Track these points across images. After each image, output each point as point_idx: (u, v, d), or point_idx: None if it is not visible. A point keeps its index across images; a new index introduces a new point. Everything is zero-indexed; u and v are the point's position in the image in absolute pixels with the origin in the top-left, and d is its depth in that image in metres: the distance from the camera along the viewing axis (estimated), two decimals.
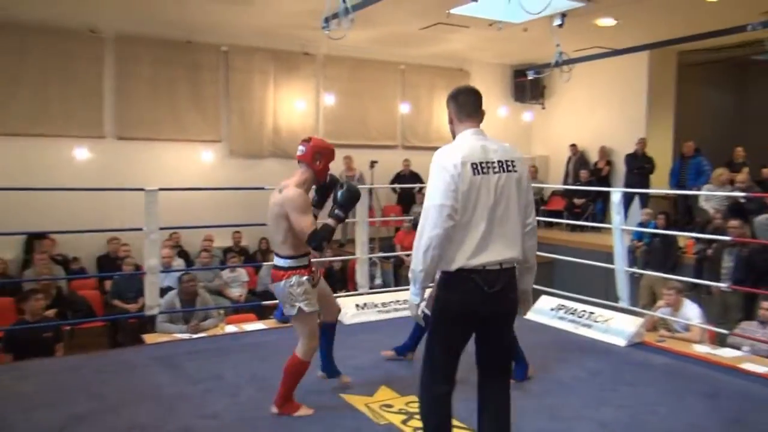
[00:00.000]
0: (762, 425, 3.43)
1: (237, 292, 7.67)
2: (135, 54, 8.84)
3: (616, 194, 5.23)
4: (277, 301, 5.79)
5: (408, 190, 10.34)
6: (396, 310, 5.60)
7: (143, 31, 8.81)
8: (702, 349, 4.83)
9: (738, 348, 4.96)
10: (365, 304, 5.60)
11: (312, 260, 3.51)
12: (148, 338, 5.10)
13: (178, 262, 7.56)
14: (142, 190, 4.77)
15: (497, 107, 11.70)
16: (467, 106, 2.58)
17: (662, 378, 4.18)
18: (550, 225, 11.02)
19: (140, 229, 4.78)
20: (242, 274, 7.89)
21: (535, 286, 5.82)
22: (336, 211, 3.35)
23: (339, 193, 3.40)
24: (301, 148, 3.41)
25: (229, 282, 7.71)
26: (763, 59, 11.56)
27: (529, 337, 4.90)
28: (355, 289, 6.02)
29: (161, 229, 4.90)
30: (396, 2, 7.17)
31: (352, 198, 3.42)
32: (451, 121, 2.65)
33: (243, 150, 9.71)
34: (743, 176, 8.31)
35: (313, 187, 3.51)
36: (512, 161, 2.51)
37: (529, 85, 11.40)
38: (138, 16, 8.51)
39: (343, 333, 5.06)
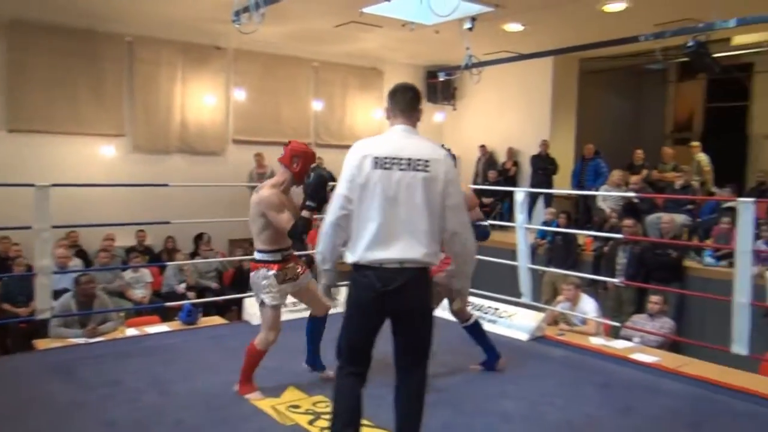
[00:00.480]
0: (649, 411, 3.65)
1: (140, 293, 7.37)
2: (30, 42, 8.26)
3: (520, 194, 5.42)
4: (182, 302, 5.69)
5: None
6: (306, 309, 5.54)
7: (40, 17, 8.24)
8: (597, 342, 5.09)
9: (630, 339, 5.27)
10: None
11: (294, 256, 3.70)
12: (40, 344, 4.78)
13: (76, 263, 7.15)
14: (32, 185, 4.47)
15: None
16: (400, 103, 2.63)
17: (561, 370, 4.38)
18: None
19: (29, 227, 4.48)
20: (146, 274, 7.58)
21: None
22: (307, 202, 3.41)
23: (306, 183, 3.48)
24: (283, 151, 3.58)
25: (132, 283, 7.40)
26: (655, 68, 12.40)
27: (437, 333, 5.03)
28: None
29: (55, 227, 4.61)
30: None
31: (318, 184, 3.46)
32: (388, 116, 2.71)
33: (148, 145, 9.31)
34: (636, 178, 8.84)
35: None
36: (426, 161, 2.48)
37: (440, 87, 11.61)
38: (35, 1, 7.98)
39: (251, 334, 4.96)
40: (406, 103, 2.61)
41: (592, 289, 7.16)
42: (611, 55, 10.92)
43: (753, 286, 4.45)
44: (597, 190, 9.12)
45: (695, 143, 10.04)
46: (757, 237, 7.04)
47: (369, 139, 2.61)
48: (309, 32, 9.26)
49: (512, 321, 5.24)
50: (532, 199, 10.15)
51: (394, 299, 2.49)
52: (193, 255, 8.62)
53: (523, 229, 5.40)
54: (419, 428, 2.62)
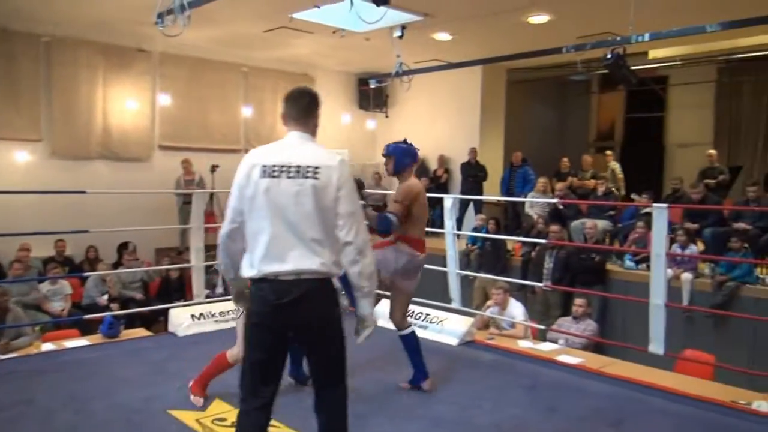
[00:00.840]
0: (574, 411, 3.76)
1: (58, 306, 7.01)
2: None
3: (448, 200, 5.49)
4: (103, 314, 5.44)
5: None
6: (235, 319, 5.40)
7: None
8: (525, 345, 5.20)
9: (556, 342, 5.42)
10: (201, 314, 5.37)
11: None
12: None
13: None
14: None
15: (341, 114, 11.85)
16: (293, 109, 2.51)
17: (490, 373, 4.44)
18: None
19: None
20: (65, 286, 7.23)
21: (378, 291, 5.97)
22: None
23: None
24: None
25: (49, 295, 7.03)
26: (579, 79, 12.88)
27: (368, 341, 5.01)
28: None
29: None
30: (237, 3, 7.00)
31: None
32: (284, 123, 2.58)
33: (67, 151, 8.86)
34: (561, 185, 9.14)
35: None
36: (315, 168, 2.36)
37: (372, 94, 11.66)
38: None
39: (176, 346, 4.84)
40: (299, 110, 2.49)
41: (521, 293, 7.34)
42: (537, 65, 11.27)
43: (669, 288, 4.69)
44: (525, 196, 9.37)
45: (609, 152, 10.53)
46: (673, 241, 7.41)
47: (261, 147, 2.52)
48: (238, 37, 9.11)
49: (443, 326, 5.29)
50: (463, 205, 10.34)
51: (290, 312, 2.35)
52: (117, 265, 8.27)
53: (451, 235, 5.47)
54: None
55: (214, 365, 3.69)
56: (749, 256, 6.84)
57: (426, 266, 6.00)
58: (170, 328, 5.32)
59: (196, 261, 5.53)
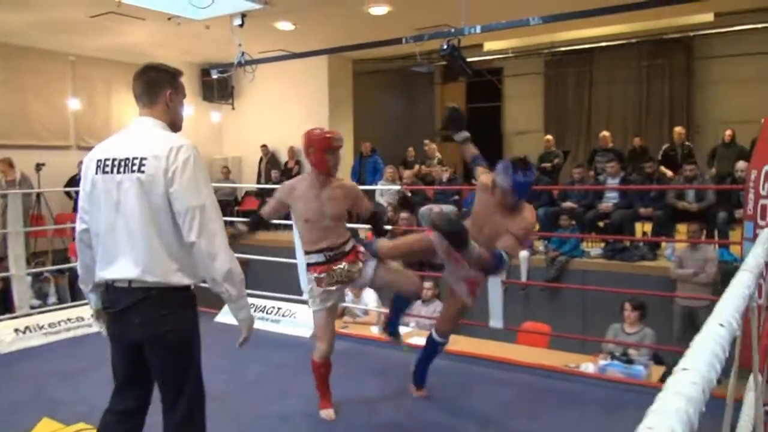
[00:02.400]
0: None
1: None
2: None
3: None
4: None
5: None
6: (68, 329, 4.98)
7: None
8: (377, 330, 5.28)
9: (407, 325, 5.56)
10: (27, 328, 4.85)
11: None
12: None
13: None
14: None
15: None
16: (136, 89, 2.19)
17: (342, 360, 4.38)
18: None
19: None
20: None
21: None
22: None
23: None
24: None
25: None
26: (422, 71, 13.34)
27: (219, 339, 4.82)
28: None
29: None
30: None
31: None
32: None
33: None
34: (409, 173, 9.42)
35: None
36: (142, 159, 2.06)
37: (216, 85, 11.25)
38: None
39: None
40: (142, 89, 2.17)
41: None
42: (382, 57, 11.51)
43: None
44: (375, 185, 9.53)
45: (427, 141, 11.03)
46: None
47: (107, 140, 2.24)
48: (60, 22, 8.31)
49: (295, 319, 5.23)
50: None
51: (123, 324, 2.14)
52: None
53: None
54: None
55: (316, 376, 3.50)
56: (576, 232, 7.48)
57: (278, 259, 5.96)
58: None
59: (17, 269, 4.98)
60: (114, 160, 2.10)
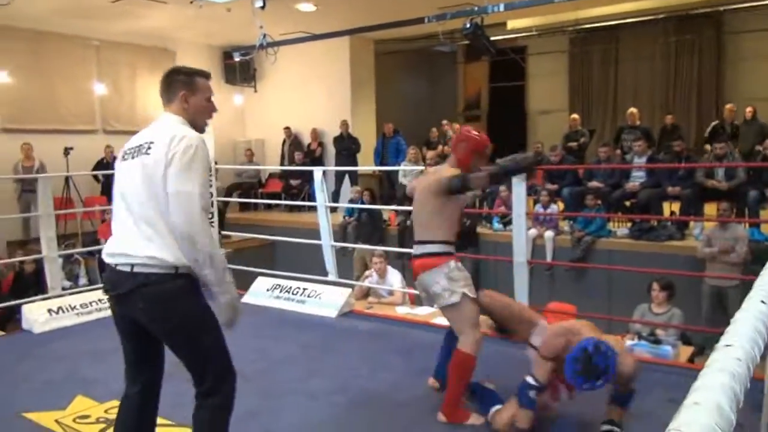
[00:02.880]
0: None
1: None
2: None
3: (318, 173, 5.42)
4: None
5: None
6: (99, 310, 5.07)
7: None
8: (402, 310, 5.31)
9: (432, 306, 5.56)
10: (60, 308, 4.94)
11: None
12: None
13: None
14: None
15: None
16: (160, 89, 2.35)
17: (367, 342, 4.47)
18: (269, 207, 11.19)
19: None
20: None
21: (255, 269, 5.80)
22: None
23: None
24: None
25: None
26: (445, 50, 13.21)
27: (246, 320, 4.87)
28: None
29: None
30: None
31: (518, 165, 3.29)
32: None
33: None
34: (432, 153, 9.37)
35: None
36: (150, 143, 2.16)
37: (239, 68, 11.27)
38: None
39: (31, 344, 4.44)
40: (162, 90, 2.34)
41: (399, 262, 7.47)
42: (405, 37, 11.41)
43: (534, 246, 4.95)
44: (399, 166, 9.51)
45: (445, 122, 11.00)
46: (536, 202, 7.84)
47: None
48: (83, 8, 8.38)
49: (321, 300, 5.25)
50: (339, 179, 10.34)
51: (125, 307, 2.20)
52: None
53: (323, 208, 5.42)
54: None
55: (456, 375, 3.04)
56: (603, 212, 7.39)
57: (302, 240, 6.00)
58: (25, 326, 4.87)
59: (48, 251, 5.08)
60: (132, 148, 2.23)
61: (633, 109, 9.15)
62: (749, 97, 10.47)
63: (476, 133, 3.28)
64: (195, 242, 2.08)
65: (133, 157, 2.18)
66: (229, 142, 11.68)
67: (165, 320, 2.17)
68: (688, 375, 3.58)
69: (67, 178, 7.99)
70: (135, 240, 2.13)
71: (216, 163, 5.81)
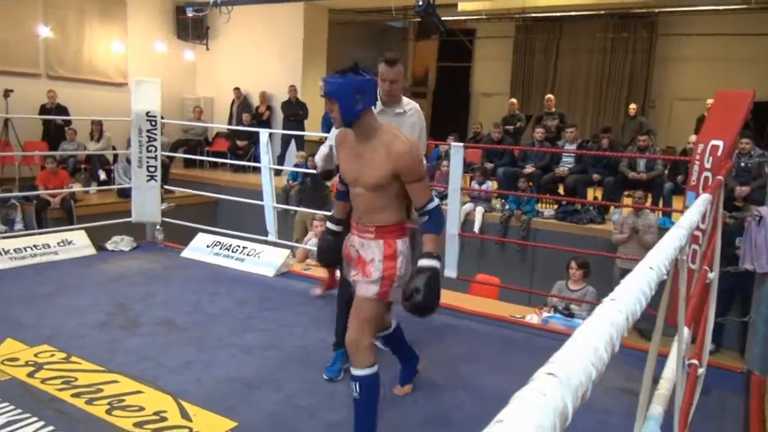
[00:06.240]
0: None
1: None
2: None
3: (264, 135, 5.56)
4: None
5: (56, 125, 9.29)
6: (34, 255, 5.10)
7: None
8: (339, 273, 5.54)
9: None
10: None
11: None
12: None
13: None
14: None
15: (155, 41, 11.19)
16: None
17: (302, 300, 4.59)
18: (214, 166, 11.18)
19: None
20: None
21: (197, 225, 5.89)
22: None
23: None
24: None
25: None
26: (397, 26, 13.36)
27: (183, 274, 5.03)
28: None
29: None
30: None
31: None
32: None
33: None
34: None
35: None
36: None
37: (191, 24, 11.12)
38: None
39: None
40: None
41: None
42: (359, 8, 11.51)
43: (465, 220, 5.18)
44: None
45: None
46: (472, 179, 8.21)
47: None
48: None
49: (259, 258, 5.42)
50: (285, 143, 10.44)
51: None
52: None
53: (267, 170, 5.57)
54: None
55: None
56: (534, 193, 7.83)
57: (244, 200, 6.11)
58: None
59: None
60: None
61: (550, 96, 9.79)
62: (674, 96, 11.20)
63: None
64: None
65: None
66: (178, 98, 11.55)
67: None
68: None
69: (6, 121, 7.79)
70: None
71: (162, 117, 5.84)
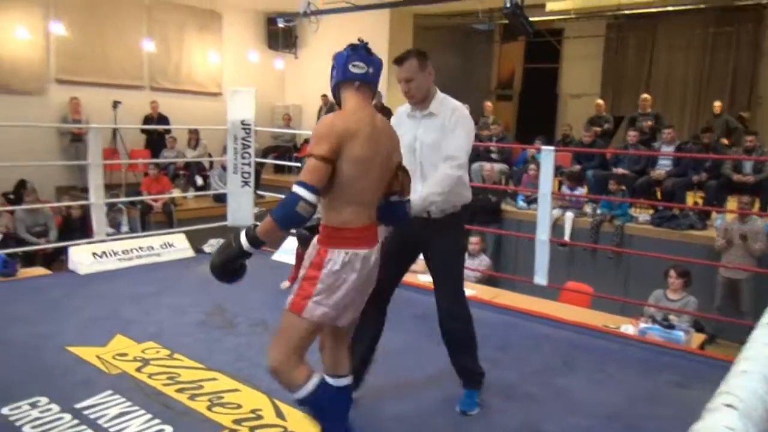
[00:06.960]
0: None
1: None
2: None
3: None
4: None
5: (158, 133, 9.85)
6: (140, 257, 5.43)
7: None
8: (424, 279, 5.52)
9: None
10: (104, 253, 5.30)
11: None
12: None
13: None
14: None
15: (248, 51, 11.63)
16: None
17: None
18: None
19: None
20: None
21: None
22: None
23: None
24: None
25: None
26: (482, 29, 13.23)
27: (275, 275, 5.14)
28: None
29: None
30: None
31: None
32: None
33: None
34: None
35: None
36: None
37: (281, 34, 11.48)
38: None
39: (76, 284, 4.78)
40: None
41: None
42: (444, 12, 11.47)
43: (554, 226, 5.06)
44: None
45: (488, 102, 11.08)
46: (561, 183, 7.99)
47: None
48: None
49: None
50: None
51: None
52: (13, 203, 7.82)
53: None
54: None
55: None
56: (627, 197, 7.50)
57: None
58: (71, 266, 5.24)
59: (96, 198, 5.42)
60: None
61: (646, 95, 9.28)
62: None
63: None
64: None
65: None
66: (268, 106, 11.95)
67: None
68: (698, 361, 3.76)
69: (114, 131, 8.32)
70: None
71: (255, 125, 6.05)
